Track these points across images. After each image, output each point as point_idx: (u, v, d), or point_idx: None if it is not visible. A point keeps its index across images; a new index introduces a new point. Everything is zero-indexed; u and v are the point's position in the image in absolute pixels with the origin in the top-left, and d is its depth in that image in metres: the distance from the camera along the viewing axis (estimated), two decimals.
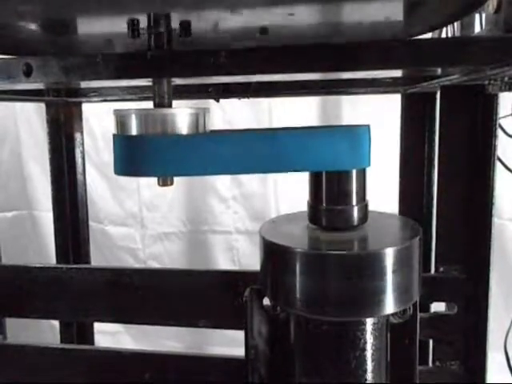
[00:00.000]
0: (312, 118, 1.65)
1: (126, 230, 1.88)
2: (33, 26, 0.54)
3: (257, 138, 0.57)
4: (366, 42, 0.50)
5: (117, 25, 0.53)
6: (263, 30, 0.56)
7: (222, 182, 1.75)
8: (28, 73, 0.56)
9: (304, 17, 0.54)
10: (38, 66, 0.56)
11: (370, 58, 0.50)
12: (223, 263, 1.81)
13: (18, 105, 1.80)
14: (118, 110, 0.57)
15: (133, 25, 0.52)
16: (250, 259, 1.73)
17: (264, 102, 1.64)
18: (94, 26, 0.57)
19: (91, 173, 1.67)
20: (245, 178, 1.72)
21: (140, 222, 1.87)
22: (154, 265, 1.87)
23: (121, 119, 0.56)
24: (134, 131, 0.55)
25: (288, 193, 1.66)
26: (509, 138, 0.95)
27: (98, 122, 1.75)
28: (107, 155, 1.77)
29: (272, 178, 1.69)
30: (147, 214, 1.86)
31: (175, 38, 0.55)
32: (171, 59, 0.53)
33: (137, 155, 0.55)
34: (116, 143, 0.57)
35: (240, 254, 1.79)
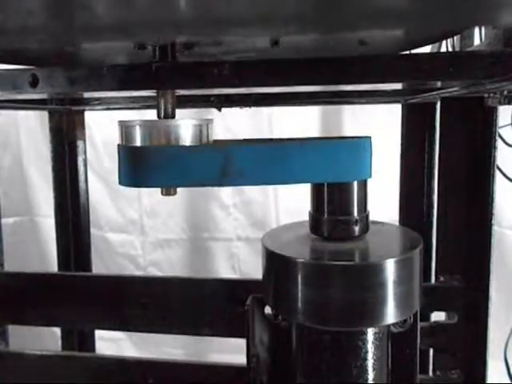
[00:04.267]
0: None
1: (126, 236, 1.89)
2: (39, 45, 0.55)
3: (259, 149, 0.58)
4: (366, 57, 0.51)
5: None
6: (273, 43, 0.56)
7: (223, 190, 1.76)
8: (34, 83, 0.57)
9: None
10: (43, 76, 0.57)
11: (370, 72, 0.51)
12: (223, 270, 1.81)
13: (20, 112, 1.81)
14: (122, 121, 0.57)
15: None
16: (250, 266, 1.74)
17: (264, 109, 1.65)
18: (99, 45, 0.58)
19: (91, 179, 1.68)
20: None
21: (140, 228, 1.87)
22: (155, 271, 1.87)
23: (125, 130, 0.57)
24: (138, 142, 0.56)
25: (288, 200, 1.67)
26: (509, 148, 0.96)
27: (99, 128, 1.75)
28: (108, 162, 1.78)
29: (272, 186, 1.70)
30: (148, 221, 1.86)
31: (179, 50, 0.56)
32: (176, 71, 0.54)
33: (141, 166, 0.56)
34: (120, 154, 0.57)
35: (240, 261, 1.80)
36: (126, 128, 0.57)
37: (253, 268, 1.67)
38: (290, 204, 1.61)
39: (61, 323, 1.01)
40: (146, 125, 0.56)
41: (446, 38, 0.72)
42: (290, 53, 0.55)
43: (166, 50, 0.54)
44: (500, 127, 0.80)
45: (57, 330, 1.59)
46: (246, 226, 1.77)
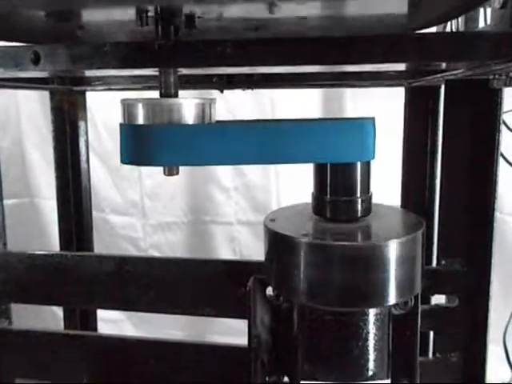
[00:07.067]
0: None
1: (128, 219, 1.89)
2: (38, 14, 0.55)
3: (262, 128, 0.58)
4: (371, 36, 0.51)
5: (125, 13, 0.53)
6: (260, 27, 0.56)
7: (224, 173, 1.75)
8: (36, 61, 0.56)
9: (307, 12, 0.54)
10: (45, 54, 0.56)
11: (375, 51, 0.50)
12: (224, 253, 1.81)
13: (20, 91, 1.80)
14: (125, 99, 0.57)
15: (141, 13, 0.52)
16: (251, 250, 1.74)
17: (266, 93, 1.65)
18: (101, 15, 0.57)
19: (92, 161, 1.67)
20: (246, 168, 1.72)
21: (141, 211, 1.87)
22: (155, 254, 1.88)
23: (128, 108, 0.57)
24: (140, 120, 0.56)
25: (289, 183, 1.66)
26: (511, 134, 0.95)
27: (101, 109, 1.74)
28: (109, 144, 1.77)
29: (273, 168, 1.69)
30: (148, 204, 1.86)
31: (181, 29, 0.55)
32: (178, 49, 0.53)
33: (143, 144, 0.56)
34: (123, 132, 0.57)
35: (241, 244, 1.80)
36: (128, 106, 0.56)
37: (254, 252, 1.68)
38: (292, 186, 1.60)
39: (63, 303, 1.02)
40: (149, 103, 0.56)
41: (451, 19, 0.71)
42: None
43: (169, 27, 0.54)
44: (504, 112, 0.79)
45: (58, 312, 1.60)
46: (247, 210, 1.77)
